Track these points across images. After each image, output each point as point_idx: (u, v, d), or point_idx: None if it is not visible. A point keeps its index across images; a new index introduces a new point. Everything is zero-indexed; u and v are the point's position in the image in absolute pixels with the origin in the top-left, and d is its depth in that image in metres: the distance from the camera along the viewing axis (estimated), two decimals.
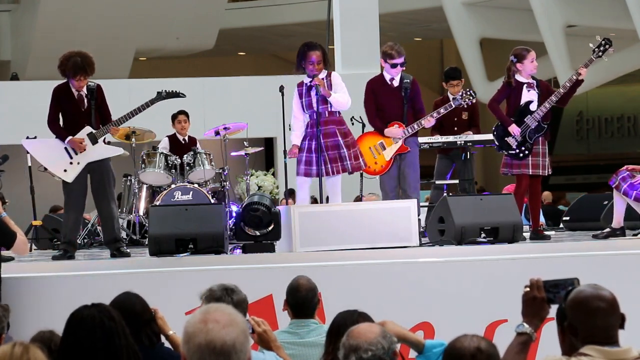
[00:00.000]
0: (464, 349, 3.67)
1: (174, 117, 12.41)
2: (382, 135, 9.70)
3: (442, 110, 9.86)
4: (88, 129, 8.97)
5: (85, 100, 9.00)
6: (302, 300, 5.71)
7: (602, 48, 9.72)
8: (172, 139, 12.36)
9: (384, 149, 9.63)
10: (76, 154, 8.95)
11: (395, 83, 9.71)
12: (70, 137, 8.93)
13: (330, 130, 9.17)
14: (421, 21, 24.10)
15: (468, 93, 10.03)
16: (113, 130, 9.14)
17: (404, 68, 9.73)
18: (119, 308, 4.56)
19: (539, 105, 9.61)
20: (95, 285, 7.72)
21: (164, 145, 12.15)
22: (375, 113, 9.76)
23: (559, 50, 20.23)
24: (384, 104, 9.70)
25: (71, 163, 8.96)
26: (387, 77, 9.73)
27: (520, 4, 20.95)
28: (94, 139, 8.97)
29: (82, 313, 4.06)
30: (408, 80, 9.70)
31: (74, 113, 8.98)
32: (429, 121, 9.70)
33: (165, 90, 9.59)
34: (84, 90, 8.98)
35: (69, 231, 8.93)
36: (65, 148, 8.96)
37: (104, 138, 9.06)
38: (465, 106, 10.52)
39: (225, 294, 5.26)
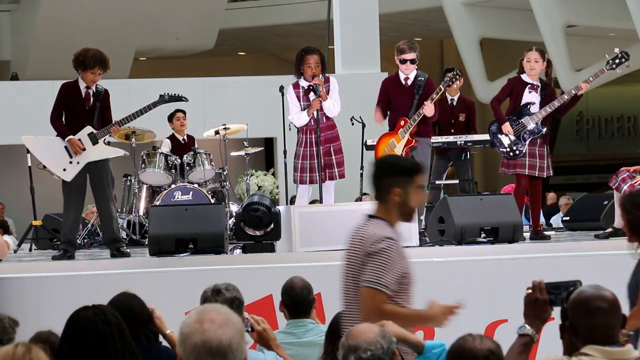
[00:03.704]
0: (475, 350, 3.66)
1: (172, 116, 12.39)
2: (391, 133, 9.58)
3: (434, 96, 9.47)
4: (89, 129, 8.97)
5: (92, 99, 9.00)
6: (297, 297, 5.73)
7: (617, 61, 9.61)
8: (172, 139, 12.36)
9: (395, 146, 9.58)
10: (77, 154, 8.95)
11: (409, 82, 9.58)
12: (70, 137, 8.92)
13: (328, 136, 9.31)
14: (421, 21, 24.09)
15: (454, 72, 9.87)
16: (114, 130, 9.10)
17: (415, 65, 9.56)
18: (117, 308, 4.55)
19: (540, 109, 9.59)
20: (95, 285, 7.72)
21: (166, 147, 12.15)
22: (377, 108, 9.63)
23: (559, 50, 20.21)
24: (396, 103, 9.61)
25: (71, 162, 8.95)
26: (402, 76, 9.60)
27: (520, 4, 20.94)
28: (94, 139, 8.96)
29: (78, 315, 4.06)
30: (422, 78, 9.55)
31: (78, 111, 8.97)
32: (427, 108, 9.38)
33: (168, 94, 9.59)
34: (93, 89, 8.97)
35: (69, 231, 8.93)
36: (66, 147, 8.96)
37: (105, 139, 9.06)
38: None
39: (212, 295, 5.28)
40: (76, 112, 8.98)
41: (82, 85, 8.97)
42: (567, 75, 20.13)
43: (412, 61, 9.55)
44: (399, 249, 4.50)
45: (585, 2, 20.68)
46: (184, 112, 12.42)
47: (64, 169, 8.95)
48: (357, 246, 4.55)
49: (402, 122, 9.51)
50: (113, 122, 9.03)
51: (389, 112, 9.68)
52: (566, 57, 20.22)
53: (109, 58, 8.96)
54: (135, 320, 4.96)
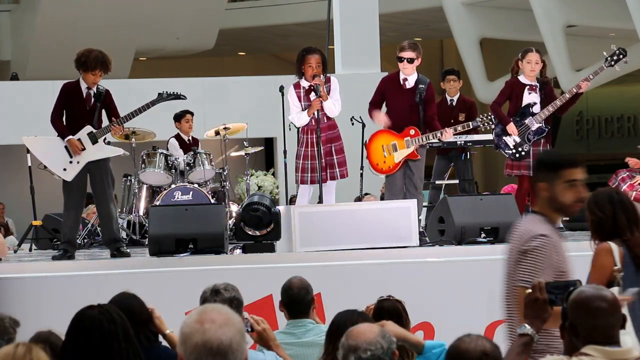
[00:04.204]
0: (469, 351, 3.66)
1: (180, 117, 12.36)
2: (396, 134, 9.48)
3: (459, 128, 9.54)
4: (88, 129, 8.98)
5: (92, 100, 9.01)
6: (295, 297, 5.74)
7: (615, 57, 9.61)
8: (178, 139, 12.35)
9: (396, 150, 9.47)
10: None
11: (409, 84, 9.48)
12: (69, 137, 8.93)
13: (329, 135, 9.29)
14: (421, 21, 24.08)
15: (488, 118, 9.71)
16: (115, 129, 9.10)
17: (413, 66, 9.45)
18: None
19: (541, 108, 9.59)
20: (95, 285, 7.72)
21: (174, 146, 12.14)
22: (375, 105, 9.56)
23: (559, 50, 20.21)
24: (392, 104, 9.53)
25: (71, 162, 8.96)
26: (401, 76, 9.52)
27: (520, 4, 20.94)
28: (94, 139, 8.97)
29: (83, 314, 4.06)
30: (423, 86, 9.42)
31: (79, 111, 8.98)
32: (447, 134, 9.37)
33: (167, 92, 9.60)
34: (94, 90, 8.99)
35: (69, 230, 8.94)
36: (66, 147, 8.97)
37: (104, 138, 9.07)
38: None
39: (211, 295, 5.28)
40: (77, 112, 9.00)
41: (84, 85, 8.99)
42: (567, 75, 20.12)
43: (410, 60, 9.42)
44: (555, 246, 4.38)
45: (585, 2, 20.67)
46: (192, 113, 12.43)
47: (64, 169, 8.96)
48: (514, 243, 4.50)
49: (413, 132, 9.40)
50: (110, 121, 9.03)
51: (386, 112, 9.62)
52: (566, 57, 20.22)
53: (111, 60, 8.98)
54: (135, 320, 4.95)
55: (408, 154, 9.41)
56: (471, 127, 9.70)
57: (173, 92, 9.65)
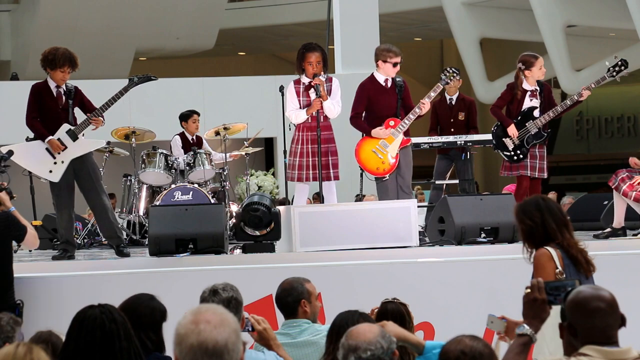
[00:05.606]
0: (450, 351, 3.68)
1: (188, 117, 12.35)
2: (369, 136, 9.48)
3: (432, 94, 9.51)
4: (66, 127, 8.89)
5: (64, 98, 8.95)
6: (277, 299, 5.77)
7: (617, 69, 9.71)
8: (182, 137, 12.36)
9: (387, 147, 9.48)
10: (59, 153, 8.88)
11: (389, 84, 9.55)
12: (49, 138, 8.86)
13: (325, 136, 9.31)
14: (421, 21, 24.10)
15: (451, 70, 9.73)
16: (95, 121, 8.98)
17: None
18: (124, 308, 4.55)
19: (541, 112, 9.65)
20: (95, 285, 7.72)
21: (176, 144, 12.15)
22: (361, 115, 9.50)
23: (559, 50, 20.22)
24: (379, 106, 9.50)
25: (55, 163, 8.89)
26: (381, 78, 9.54)
27: (520, 4, 20.96)
28: (73, 136, 8.88)
29: (84, 313, 4.07)
30: (400, 79, 9.55)
31: (53, 110, 8.89)
32: (423, 106, 9.38)
33: (137, 76, 9.53)
34: (63, 88, 8.94)
35: (65, 230, 8.90)
36: (47, 149, 8.89)
37: (83, 133, 8.98)
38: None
39: (209, 295, 5.27)
40: (51, 112, 8.89)
41: (52, 84, 8.91)
42: (567, 76, 20.15)
43: (399, 64, 9.55)
44: None
45: (585, 2, 20.69)
46: (199, 114, 12.43)
47: (50, 171, 8.89)
48: None
49: (393, 122, 9.45)
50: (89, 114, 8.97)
51: (365, 115, 9.55)
52: (566, 57, 20.24)
53: (77, 57, 8.93)
54: (137, 323, 4.91)
55: (400, 142, 9.44)
56: (441, 86, 9.71)
57: (143, 75, 9.56)
